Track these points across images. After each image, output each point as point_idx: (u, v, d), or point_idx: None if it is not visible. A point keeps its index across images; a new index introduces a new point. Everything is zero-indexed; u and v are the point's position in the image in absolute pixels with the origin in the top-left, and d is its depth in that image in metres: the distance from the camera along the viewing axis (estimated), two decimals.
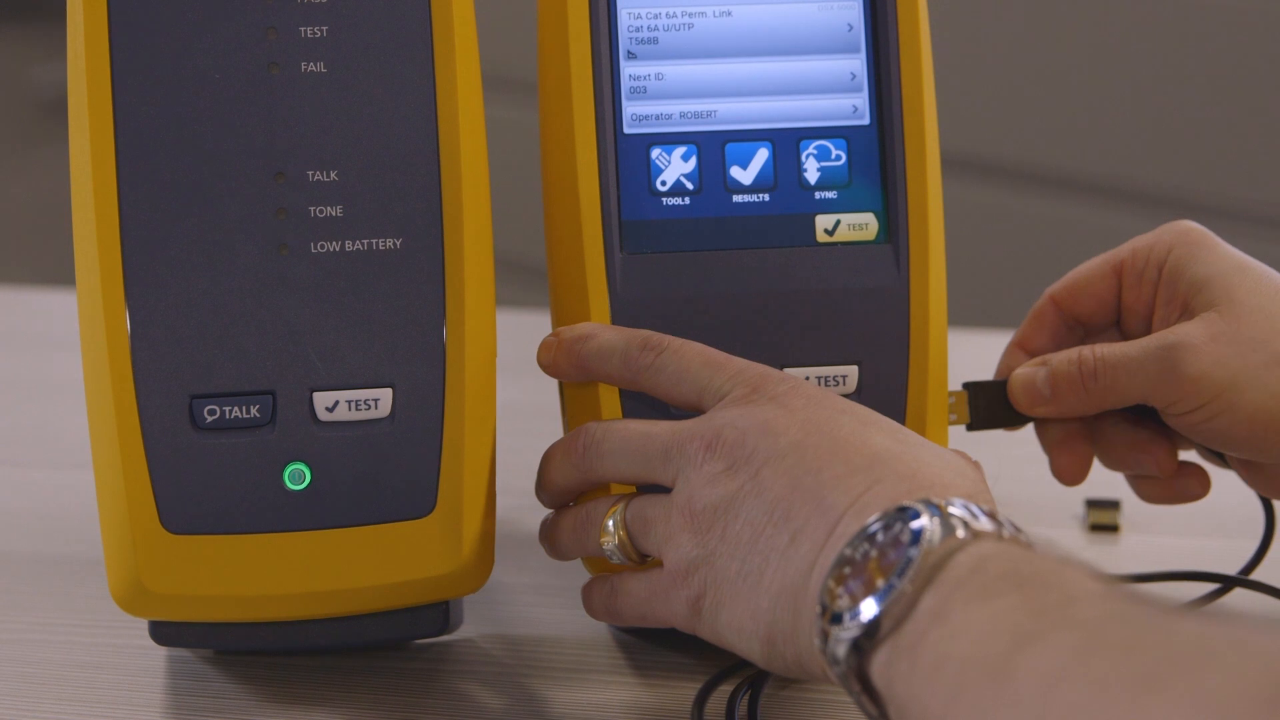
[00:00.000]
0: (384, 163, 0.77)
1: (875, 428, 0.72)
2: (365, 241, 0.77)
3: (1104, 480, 0.99)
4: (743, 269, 0.80)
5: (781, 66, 0.82)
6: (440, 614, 0.79)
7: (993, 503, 0.69)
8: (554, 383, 0.82)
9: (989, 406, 0.85)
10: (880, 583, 0.64)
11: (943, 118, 0.83)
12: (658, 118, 0.81)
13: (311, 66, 0.77)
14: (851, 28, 0.82)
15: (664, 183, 0.81)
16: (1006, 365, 0.87)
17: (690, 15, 0.82)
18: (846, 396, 0.80)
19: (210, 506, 0.76)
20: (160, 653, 0.82)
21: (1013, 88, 2.23)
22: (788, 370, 0.80)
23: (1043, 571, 0.62)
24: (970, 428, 0.84)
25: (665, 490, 0.74)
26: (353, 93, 0.77)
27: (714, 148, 0.81)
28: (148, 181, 0.76)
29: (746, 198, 0.81)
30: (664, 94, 0.81)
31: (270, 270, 0.76)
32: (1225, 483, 0.95)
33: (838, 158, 0.82)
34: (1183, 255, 0.84)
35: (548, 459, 0.79)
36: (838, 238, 0.82)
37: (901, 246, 0.81)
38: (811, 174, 0.82)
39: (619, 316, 0.80)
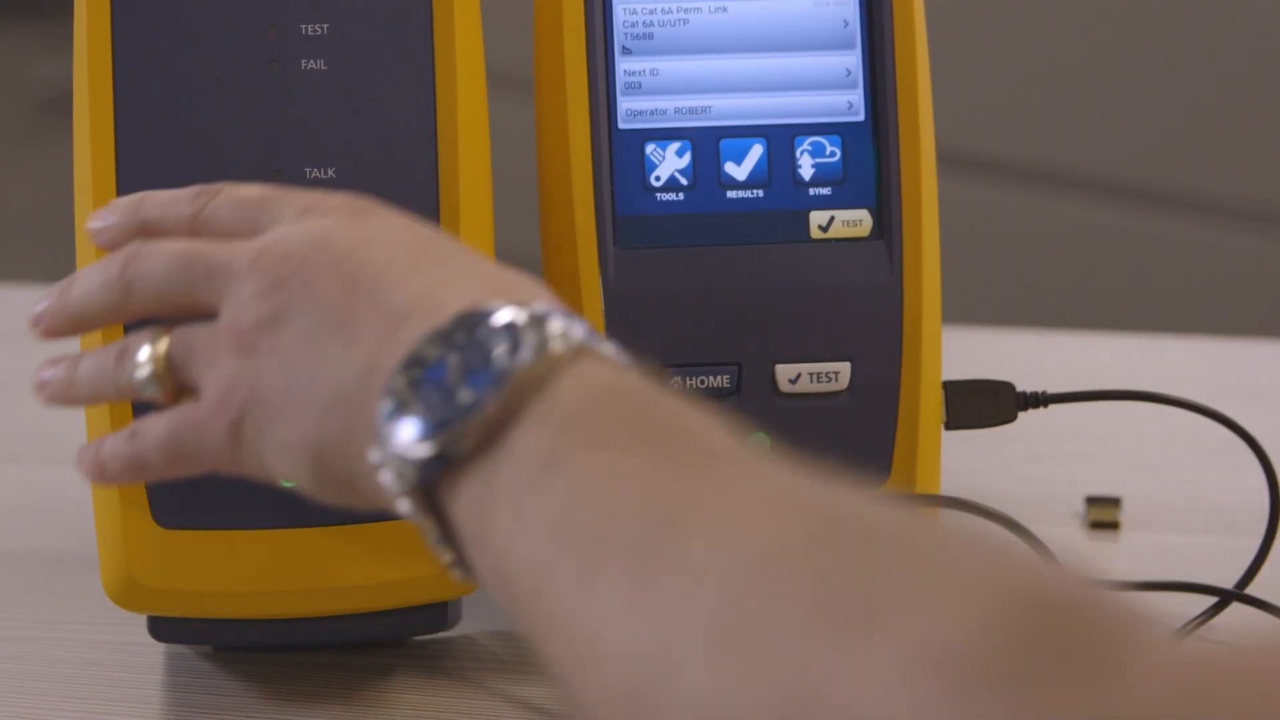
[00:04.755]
0: (381, 161, 0.77)
1: (445, 238, 0.65)
2: None
3: (1105, 477, 1.00)
4: (736, 265, 0.80)
5: (776, 63, 0.82)
6: (439, 611, 0.79)
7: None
8: None
9: (965, 405, 0.84)
10: (464, 394, 0.57)
11: (938, 113, 0.83)
12: (652, 113, 0.81)
13: (312, 64, 0.77)
14: (847, 24, 0.82)
15: (658, 178, 0.81)
16: None
17: (685, 11, 0.82)
18: (838, 393, 0.81)
19: (202, 502, 0.76)
20: (159, 649, 0.82)
21: (1009, 84, 2.23)
22: (781, 366, 0.80)
23: (669, 415, 0.55)
24: (948, 426, 0.84)
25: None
26: (352, 90, 0.77)
27: (708, 143, 0.81)
28: (146, 177, 0.76)
29: (741, 193, 0.81)
30: (659, 89, 0.81)
31: None
32: (1226, 477, 0.95)
33: (832, 154, 0.82)
34: None
35: (76, 281, 0.69)
36: (832, 234, 0.82)
37: (895, 243, 0.81)
38: (806, 170, 0.82)
39: (612, 311, 0.80)
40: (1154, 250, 2.20)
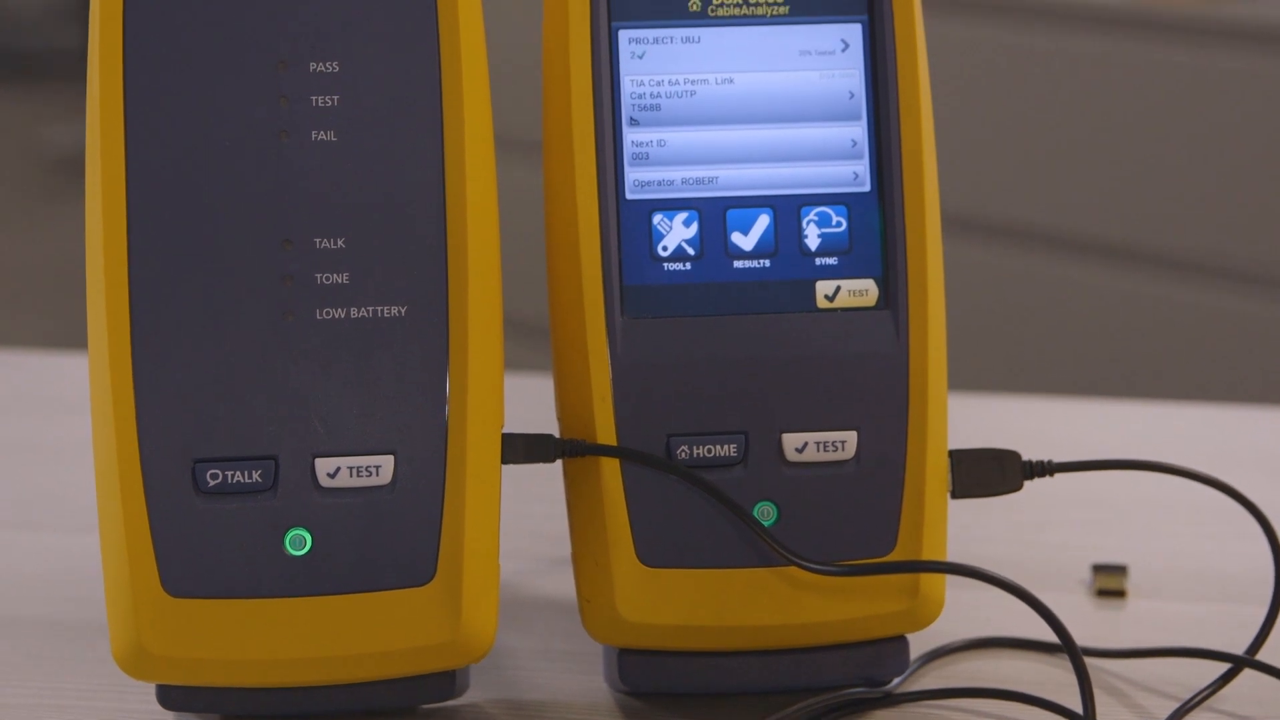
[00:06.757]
0: (391, 231, 0.78)
1: None
2: (370, 309, 0.77)
3: (1111, 545, 1.00)
4: (743, 334, 0.81)
5: (783, 133, 0.83)
6: (447, 679, 0.80)
7: None
8: None
9: (971, 474, 0.84)
10: None
11: (944, 179, 0.84)
12: (660, 184, 0.82)
13: (322, 135, 0.78)
14: (853, 95, 0.83)
15: (665, 248, 0.82)
16: None
17: (692, 82, 0.82)
18: (845, 462, 0.81)
19: (211, 570, 0.76)
20: (168, 718, 0.82)
21: (1016, 150, 2.24)
22: (788, 435, 0.80)
23: None
24: (953, 495, 0.84)
25: None
26: (362, 161, 0.78)
27: (715, 214, 0.82)
28: (158, 245, 0.77)
29: (747, 263, 0.82)
30: (666, 160, 0.82)
31: (275, 336, 0.77)
32: (1232, 546, 0.95)
33: (838, 224, 0.82)
34: None
35: None
36: (838, 304, 0.82)
37: (901, 313, 0.81)
38: (812, 240, 0.82)
39: (619, 380, 0.80)
40: (1159, 316, 2.20)
